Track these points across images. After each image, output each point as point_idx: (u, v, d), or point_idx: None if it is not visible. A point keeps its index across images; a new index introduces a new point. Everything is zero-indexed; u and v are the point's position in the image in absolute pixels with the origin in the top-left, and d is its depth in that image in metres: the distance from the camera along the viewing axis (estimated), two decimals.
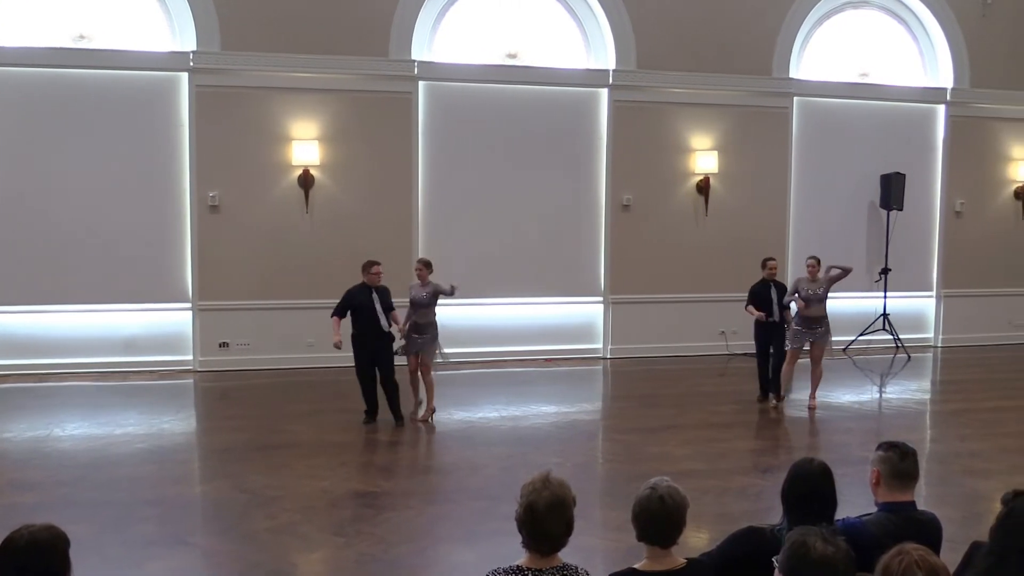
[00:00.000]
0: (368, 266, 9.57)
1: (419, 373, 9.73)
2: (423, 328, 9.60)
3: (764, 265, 10.73)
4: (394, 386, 9.49)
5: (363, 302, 9.43)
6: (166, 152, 12.11)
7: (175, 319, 12.27)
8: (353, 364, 9.52)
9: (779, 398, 10.41)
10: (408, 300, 9.70)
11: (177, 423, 9.72)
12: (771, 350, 10.60)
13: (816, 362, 10.31)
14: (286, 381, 11.67)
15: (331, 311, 9.55)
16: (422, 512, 6.81)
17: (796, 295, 10.32)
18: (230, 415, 10.03)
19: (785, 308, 10.56)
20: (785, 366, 10.36)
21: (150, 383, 11.59)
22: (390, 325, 9.49)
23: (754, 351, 10.86)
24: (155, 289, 12.15)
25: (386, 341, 9.50)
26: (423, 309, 9.59)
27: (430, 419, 9.60)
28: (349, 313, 9.51)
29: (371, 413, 9.50)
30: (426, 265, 9.68)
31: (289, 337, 12.37)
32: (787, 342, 10.37)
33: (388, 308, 9.50)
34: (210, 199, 12.11)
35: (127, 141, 11.95)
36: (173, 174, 12.14)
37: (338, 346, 9.36)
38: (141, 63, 11.91)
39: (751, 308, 10.57)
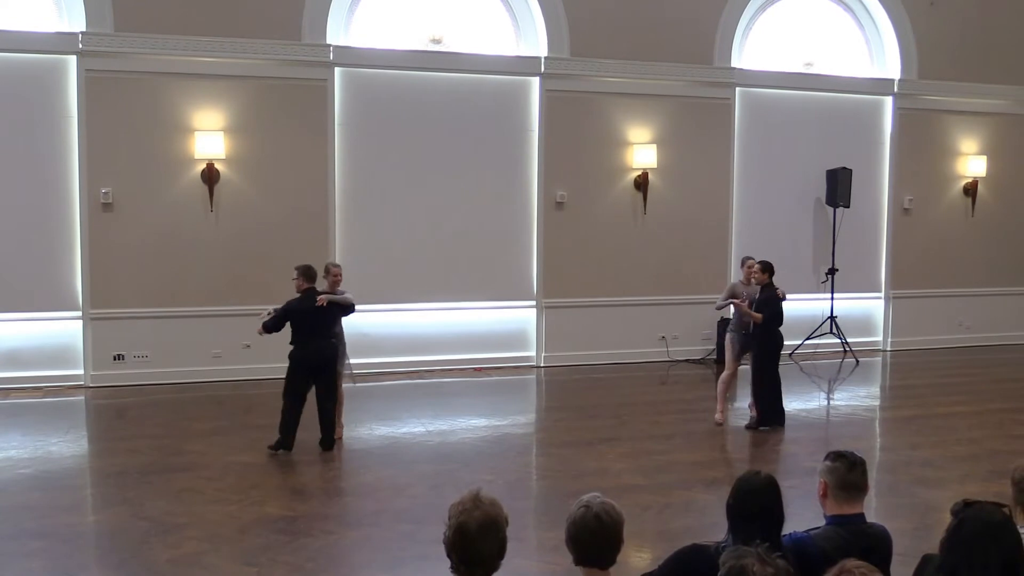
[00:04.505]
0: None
1: None
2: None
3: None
4: (334, 402, 9.31)
5: (306, 309, 9.04)
6: (52, 144, 11.80)
7: (63, 329, 11.97)
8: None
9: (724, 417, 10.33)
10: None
11: (66, 445, 9.48)
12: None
13: None
14: (189, 396, 11.49)
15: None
16: (341, 537, 6.77)
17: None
18: (126, 435, 9.81)
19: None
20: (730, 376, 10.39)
21: (35, 401, 11.29)
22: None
23: (703, 358, 10.86)
24: (40, 296, 11.84)
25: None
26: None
27: (340, 437, 9.54)
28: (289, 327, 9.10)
29: (283, 445, 8.93)
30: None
31: (192, 348, 12.19)
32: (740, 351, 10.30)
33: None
34: (102, 196, 11.85)
35: (7, 131, 11.62)
36: (60, 168, 11.84)
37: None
38: (23, 44, 11.58)
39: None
